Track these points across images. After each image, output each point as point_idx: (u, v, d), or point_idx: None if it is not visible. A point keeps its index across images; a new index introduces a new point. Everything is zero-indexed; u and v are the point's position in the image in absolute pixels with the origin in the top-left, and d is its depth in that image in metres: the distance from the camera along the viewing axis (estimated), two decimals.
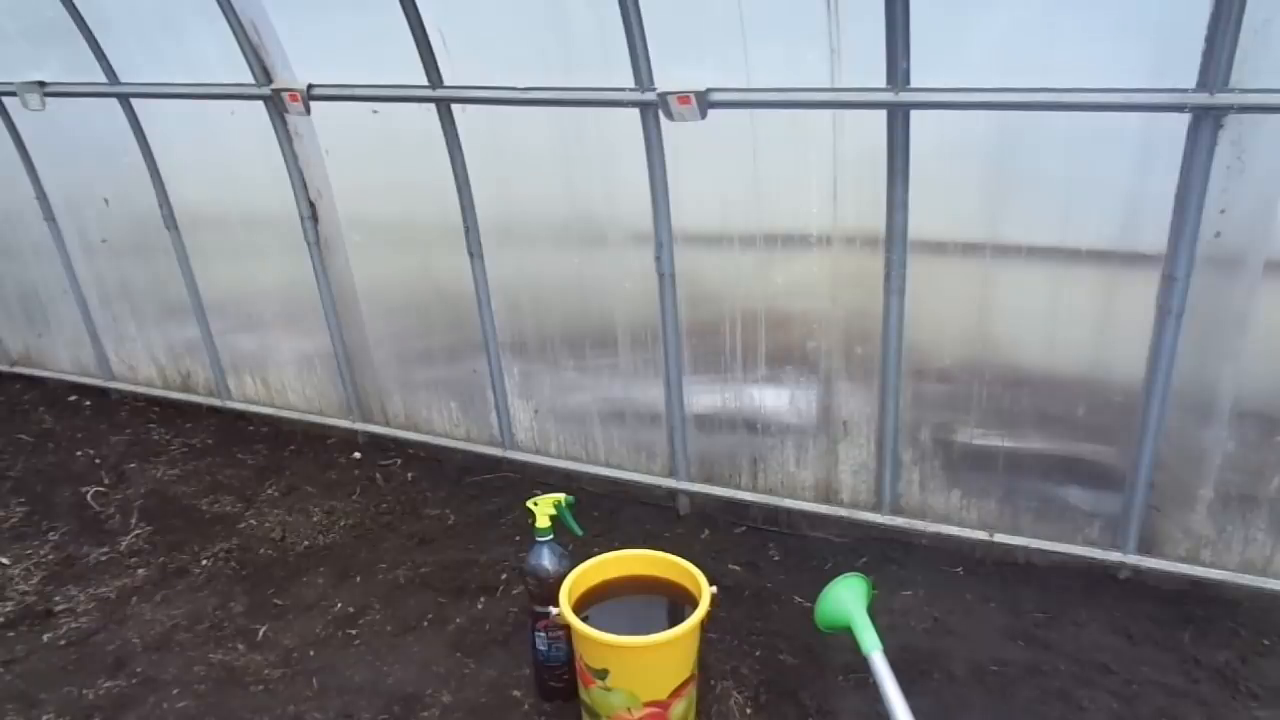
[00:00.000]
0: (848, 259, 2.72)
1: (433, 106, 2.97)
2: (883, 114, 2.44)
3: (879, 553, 2.95)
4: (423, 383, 3.67)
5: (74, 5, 3.25)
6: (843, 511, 3.03)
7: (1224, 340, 2.44)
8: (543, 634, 2.30)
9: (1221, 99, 2.11)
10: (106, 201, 3.94)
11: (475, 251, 3.21)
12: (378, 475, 3.64)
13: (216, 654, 2.64)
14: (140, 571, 3.07)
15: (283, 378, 3.99)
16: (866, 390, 2.87)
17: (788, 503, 3.10)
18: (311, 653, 2.63)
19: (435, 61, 2.86)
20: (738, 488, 3.18)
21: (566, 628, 2.15)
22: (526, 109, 2.87)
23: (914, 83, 2.36)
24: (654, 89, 2.60)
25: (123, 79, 3.45)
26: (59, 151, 3.94)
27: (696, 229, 2.88)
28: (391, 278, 3.53)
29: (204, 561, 3.11)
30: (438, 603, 2.83)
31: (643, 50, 2.56)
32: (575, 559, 2.28)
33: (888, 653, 2.14)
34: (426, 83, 2.91)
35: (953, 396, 2.78)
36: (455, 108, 2.96)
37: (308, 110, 3.13)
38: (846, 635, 2.25)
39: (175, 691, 2.50)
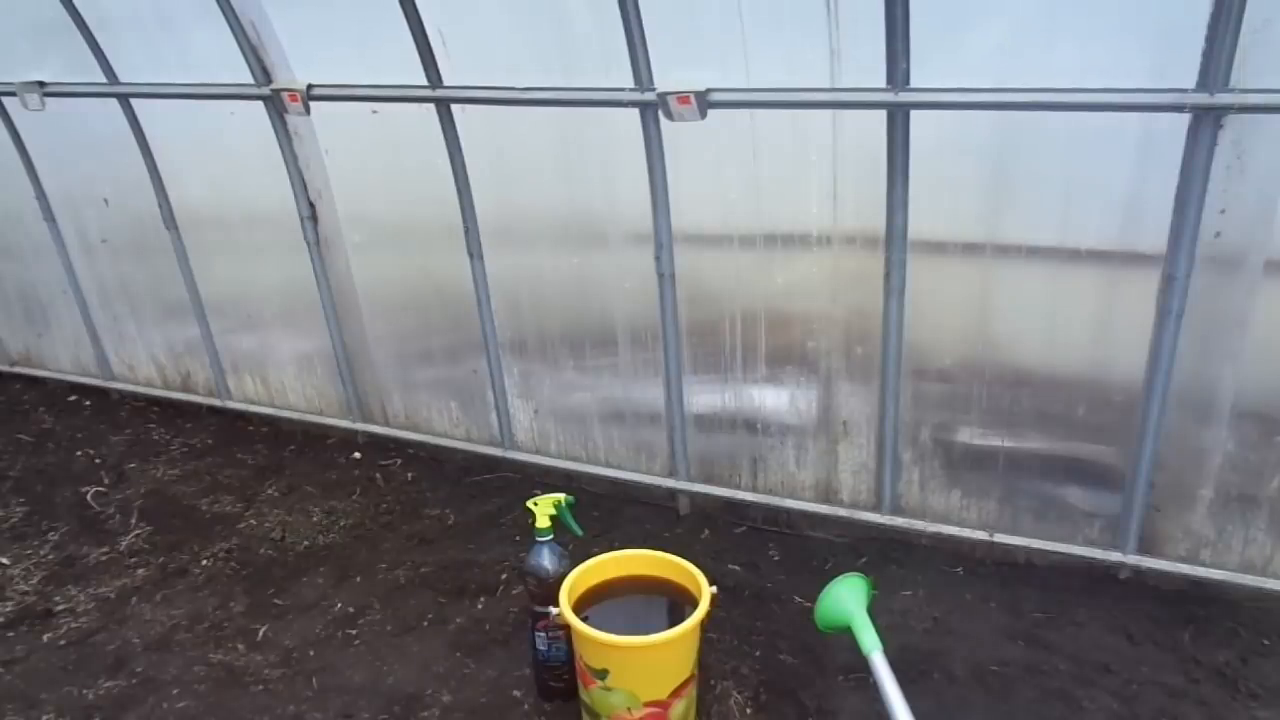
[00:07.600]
0: (848, 259, 2.72)
1: (432, 107, 2.97)
2: (883, 114, 2.44)
3: (879, 553, 2.95)
4: (423, 383, 3.67)
5: (74, 5, 3.24)
6: (843, 511, 3.03)
7: (1224, 340, 2.44)
8: (543, 634, 2.30)
9: (1221, 99, 2.11)
10: (106, 201, 3.94)
11: (475, 251, 3.21)
12: (378, 475, 3.64)
13: (216, 654, 2.64)
14: (140, 571, 3.07)
15: (282, 378, 3.99)
16: (866, 390, 2.87)
17: (788, 503, 3.10)
18: (311, 653, 2.63)
19: (435, 61, 2.86)
20: (738, 488, 3.18)
21: (566, 628, 2.16)
22: (526, 109, 2.87)
23: (914, 83, 2.36)
24: (654, 89, 2.60)
25: (122, 79, 3.44)
26: (59, 151, 3.93)
27: (696, 229, 2.88)
28: (391, 278, 3.53)
29: (204, 561, 3.11)
30: (438, 603, 2.83)
31: (642, 50, 2.56)
32: (575, 559, 2.29)
33: (888, 653, 2.13)
34: (426, 83, 2.91)
35: (953, 396, 2.78)
36: (455, 108, 2.96)
37: (307, 110, 3.13)
38: (846, 635, 2.24)
39: (175, 691, 2.50)
